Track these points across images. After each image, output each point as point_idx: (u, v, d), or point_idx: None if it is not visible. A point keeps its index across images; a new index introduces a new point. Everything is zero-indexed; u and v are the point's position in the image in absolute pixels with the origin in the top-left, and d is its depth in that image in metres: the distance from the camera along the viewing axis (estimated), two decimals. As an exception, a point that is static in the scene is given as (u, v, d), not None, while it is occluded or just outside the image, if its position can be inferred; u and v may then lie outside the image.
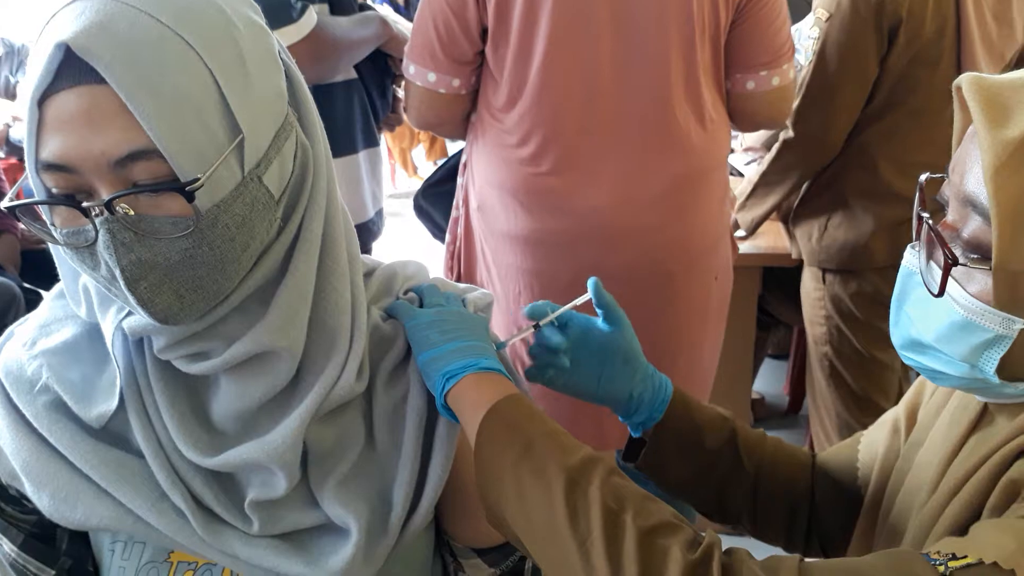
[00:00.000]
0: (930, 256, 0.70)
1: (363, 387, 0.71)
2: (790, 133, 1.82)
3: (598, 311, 0.88)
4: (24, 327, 0.74)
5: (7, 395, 0.69)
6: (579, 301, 0.86)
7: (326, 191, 0.67)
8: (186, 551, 0.69)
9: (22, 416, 0.68)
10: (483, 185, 1.42)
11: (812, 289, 1.97)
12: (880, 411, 0.96)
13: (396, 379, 0.74)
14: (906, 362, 0.76)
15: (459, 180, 1.52)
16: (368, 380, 0.72)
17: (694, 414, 0.90)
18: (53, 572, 0.74)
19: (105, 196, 0.56)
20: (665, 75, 1.29)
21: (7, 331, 0.74)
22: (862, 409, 1.92)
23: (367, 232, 1.93)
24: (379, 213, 1.98)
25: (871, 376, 1.92)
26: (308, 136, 0.68)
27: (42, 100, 0.56)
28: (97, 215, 0.57)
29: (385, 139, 5.97)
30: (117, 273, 0.57)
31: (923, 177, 0.73)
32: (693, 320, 1.44)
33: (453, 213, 1.54)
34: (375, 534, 0.69)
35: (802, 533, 0.91)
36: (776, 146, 1.87)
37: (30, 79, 0.56)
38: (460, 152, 1.56)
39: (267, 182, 0.62)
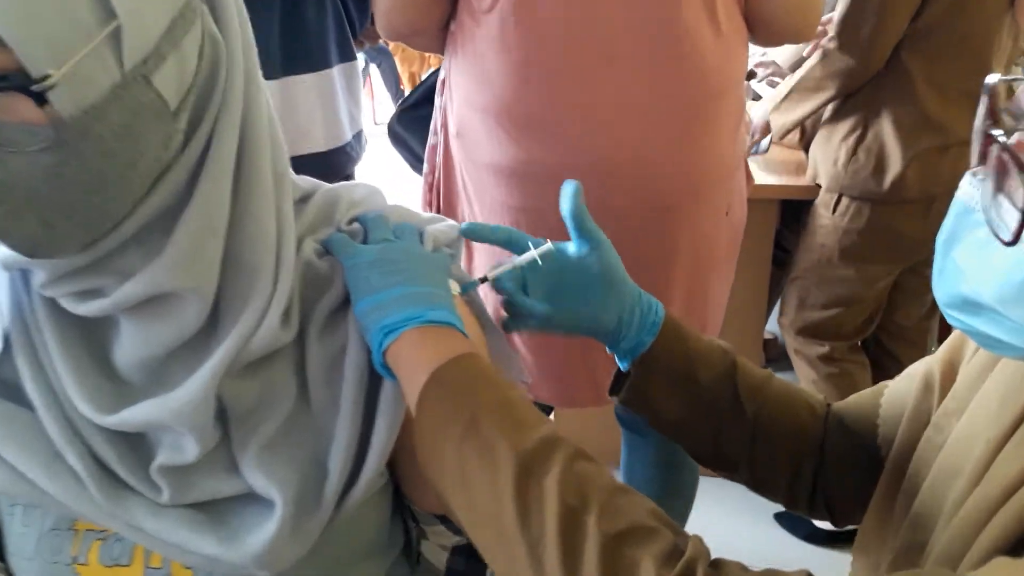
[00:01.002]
0: (999, 188, 0.52)
1: (290, 336, 0.63)
2: (833, 43, 1.73)
3: (571, 229, 0.78)
4: None
5: None
6: (529, 256, 0.75)
7: (243, 98, 0.58)
8: (86, 519, 0.62)
9: None
10: (463, 107, 1.24)
11: (819, 215, 1.90)
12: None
13: (333, 327, 0.65)
14: (952, 323, 0.60)
15: (436, 101, 1.34)
16: (299, 328, 0.64)
17: (688, 343, 0.80)
18: None
19: None
20: None
21: None
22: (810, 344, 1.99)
23: (344, 157, 1.78)
24: (358, 136, 1.83)
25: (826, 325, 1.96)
26: (221, 28, 0.57)
27: None
28: None
29: (395, 63, 5.76)
30: None
31: (993, 78, 0.55)
32: (700, 260, 1.28)
33: (430, 140, 1.37)
34: (305, 507, 0.61)
35: (806, 491, 0.81)
36: (817, 54, 1.78)
37: None
38: (438, 70, 1.37)
39: (159, 84, 0.52)
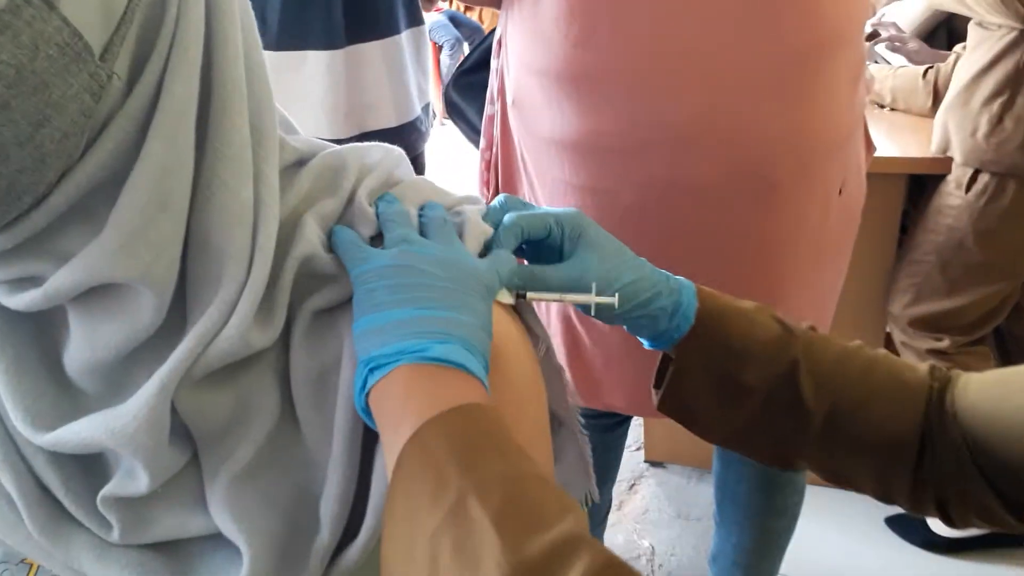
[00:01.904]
0: None
1: (268, 339, 0.50)
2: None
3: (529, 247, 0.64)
4: None
5: None
6: (583, 299, 0.61)
7: (201, 29, 0.45)
8: (22, 555, 0.55)
9: None
10: (520, 71, 1.06)
11: (948, 194, 1.65)
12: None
13: (323, 332, 0.53)
14: None
15: (493, 64, 1.16)
16: (283, 329, 0.51)
17: (729, 333, 0.65)
18: None
19: None
20: None
21: None
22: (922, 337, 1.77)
23: (416, 134, 1.64)
24: (426, 109, 1.68)
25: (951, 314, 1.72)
26: None
27: None
28: None
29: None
30: None
31: None
32: (807, 249, 1.06)
33: (487, 109, 1.19)
34: (285, 564, 0.50)
35: (905, 487, 0.64)
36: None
37: None
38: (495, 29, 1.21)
39: (68, 10, 0.40)
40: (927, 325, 1.76)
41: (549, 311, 1.15)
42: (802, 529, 1.50)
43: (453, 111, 1.38)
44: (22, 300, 0.46)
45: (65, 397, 0.50)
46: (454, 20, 4.58)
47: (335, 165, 0.56)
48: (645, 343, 0.67)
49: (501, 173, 1.18)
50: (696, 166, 0.96)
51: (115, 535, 0.50)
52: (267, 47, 1.48)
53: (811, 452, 0.65)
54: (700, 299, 0.64)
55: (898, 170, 1.68)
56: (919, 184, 1.75)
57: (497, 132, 1.16)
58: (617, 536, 2.00)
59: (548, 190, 1.07)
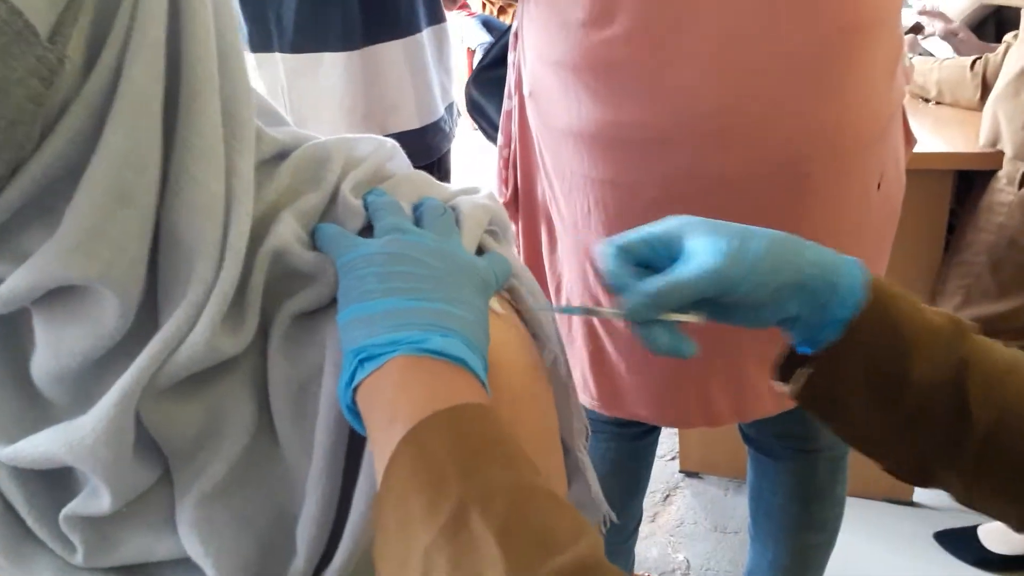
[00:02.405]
0: None
1: (239, 345, 0.46)
2: None
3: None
4: None
5: None
6: (610, 313, 0.55)
7: (164, 7, 0.42)
8: None
9: None
10: (536, 62, 1.02)
11: (998, 190, 1.55)
12: None
13: (304, 339, 0.49)
14: None
15: (510, 58, 1.11)
16: (260, 335, 0.48)
17: (901, 326, 0.54)
18: None
19: None
20: None
21: None
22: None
23: (440, 135, 1.61)
24: (450, 109, 1.64)
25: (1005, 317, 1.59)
26: None
27: None
28: None
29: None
30: None
31: None
32: (842, 246, 0.98)
33: (505, 104, 1.15)
34: None
35: None
36: None
37: None
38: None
39: None
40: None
41: (571, 318, 1.10)
42: (843, 545, 1.43)
43: (474, 109, 1.33)
44: None
45: (31, 408, 0.47)
46: (487, 24, 4.56)
47: (319, 157, 0.52)
48: (801, 347, 0.58)
49: (520, 170, 1.13)
50: (723, 158, 0.91)
51: (79, 557, 0.48)
52: (282, 50, 1.46)
53: (962, 466, 0.56)
54: (874, 282, 0.55)
55: (945, 166, 1.59)
56: (967, 181, 1.66)
57: (515, 127, 1.11)
58: (651, 549, 1.93)
59: (567, 185, 1.02)
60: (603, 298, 1.04)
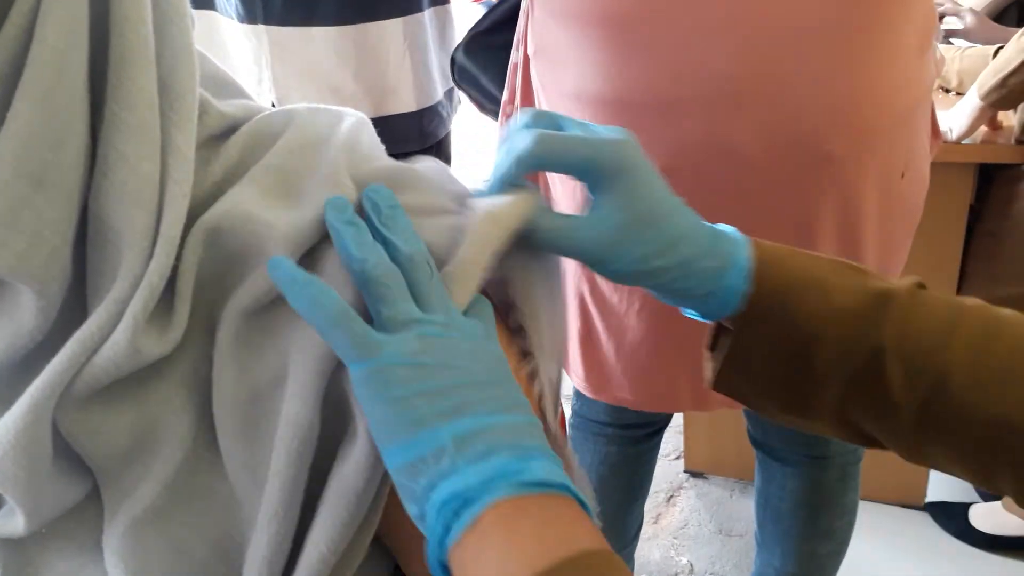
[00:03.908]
0: None
1: (165, 346, 0.41)
2: None
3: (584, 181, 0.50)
4: None
5: None
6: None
7: None
8: None
9: None
10: (544, 17, 0.96)
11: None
12: None
13: (257, 342, 0.42)
14: None
15: (523, 5, 1.06)
16: (196, 333, 0.42)
17: (791, 304, 0.51)
18: None
19: None
20: None
21: None
22: None
23: (437, 119, 1.55)
24: (450, 94, 1.58)
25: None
26: None
27: None
28: None
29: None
30: None
31: None
32: (855, 237, 0.94)
33: (512, 56, 1.09)
34: None
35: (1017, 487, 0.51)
36: None
37: None
38: None
39: None
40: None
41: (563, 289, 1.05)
42: (852, 550, 1.40)
43: (463, 78, 1.26)
44: None
45: None
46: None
47: (269, 130, 0.46)
48: (690, 313, 0.55)
49: None
50: (736, 130, 0.85)
51: None
52: (268, 21, 1.40)
53: (898, 442, 0.53)
54: (759, 260, 0.51)
55: (964, 159, 1.53)
56: (986, 174, 1.60)
57: (519, 81, 1.06)
58: (653, 552, 1.88)
59: None
60: (604, 285, 0.99)
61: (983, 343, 0.49)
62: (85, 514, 0.43)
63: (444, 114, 1.58)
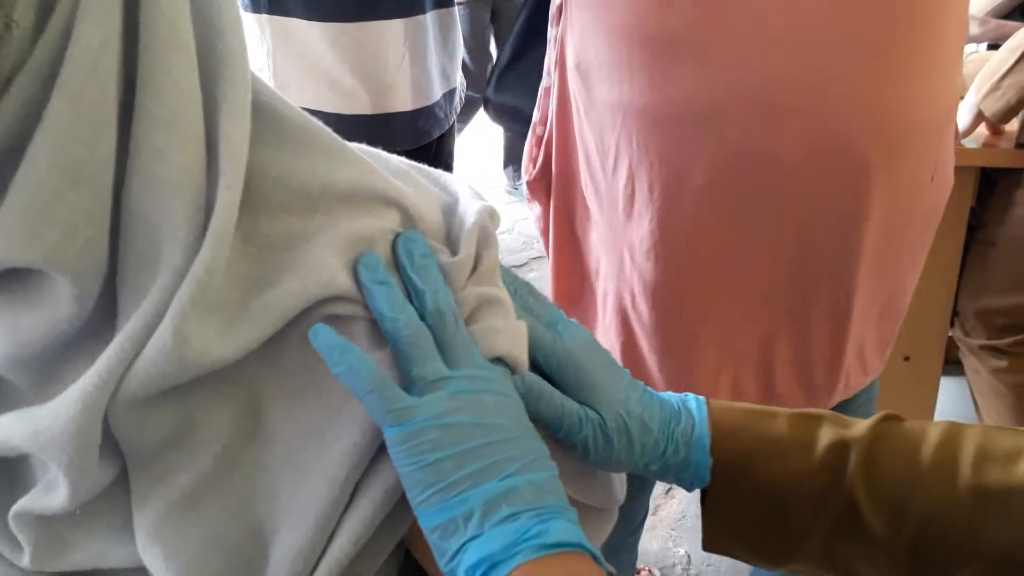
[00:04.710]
0: None
1: (231, 349, 0.41)
2: None
3: None
4: None
5: None
6: None
7: None
8: None
9: None
10: (586, 31, 0.97)
11: None
12: None
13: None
14: None
15: (550, 33, 1.06)
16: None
17: (757, 475, 0.53)
18: None
19: None
20: None
21: None
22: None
23: (431, 119, 1.55)
24: (449, 96, 1.59)
25: None
26: None
27: None
28: None
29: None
30: None
31: None
32: (893, 238, 0.96)
33: (543, 82, 1.10)
34: None
35: None
36: None
37: None
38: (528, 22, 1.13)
39: None
40: (991, 319, 1.64)
41: (605, 304, 1.07)
42: None
43: (501, 114, 1.27)
44: None
45: None
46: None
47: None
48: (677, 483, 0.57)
49: (555, 150, 1.08)
50: (777, 139, 0.87)
51: (26, 559, 0.45)
52: (274, 12, 1.42)
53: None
54: (714, 431, 0.53)
55: (967, 162, 1.54)
56: (987, 178, 1.61)
57: (553, 103, 1.07)
58: (652, 543, 1.91)
59: (610, 165, 0.97)
60: (637, 290, 1.00)
61: (951, 485, 0.49)
62: (114, 495, 0.44)
63: (441, 115, 1.59)
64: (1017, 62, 1.41)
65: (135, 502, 0.44)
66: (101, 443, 0.42)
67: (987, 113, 1.48)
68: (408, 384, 0.43)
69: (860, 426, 0.53)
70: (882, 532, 0.50)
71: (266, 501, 0.45)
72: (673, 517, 1.99)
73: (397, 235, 0.46)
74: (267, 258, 0.43)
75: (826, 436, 0.53)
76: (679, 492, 2.06)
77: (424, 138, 1.56)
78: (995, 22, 1.84)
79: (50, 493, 0.43)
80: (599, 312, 1.09)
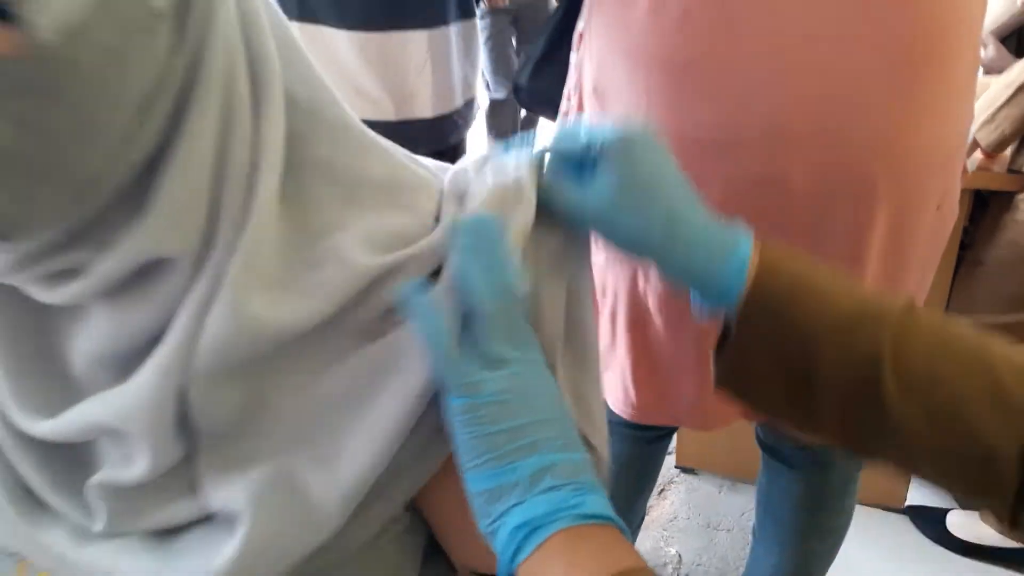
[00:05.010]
0: None
1: (285, 321, 0.46)
2: None
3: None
4: None
5: None
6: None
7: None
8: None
9: None
10: (604, 56, 0.99)
11: (1018, 209, 1.61)
12: None
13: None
14: None
15: (572, 58, 1.10)
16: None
17: (794, 310, 0.54)
18: None
19: None
20: None
21: None
22: None
23: (450, 125, 1.60)
24: (469, 104, 1.64)
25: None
26: None
27: None
28: None
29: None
30: None
31: None
32: (896, 263, 1.00)
33: (562, 106, 1.13)
34: (279, 539, 0.47)
35: (1002, 514, 0.54)
36: None
37: None
38: (564, 17, 1.16)
39: None
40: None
41: (615, 322, 1.11)
42: (845, 554, 1.46)
43: (533, 99, 1.28)
44: (65, 294, 0.45)
45: (67, 389, 0.49)
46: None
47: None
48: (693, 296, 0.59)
49: None
50: (788, 165, 0.89)
51: (100, 524, 0.49)
52: (304, 19, 1.45)
53: (890, 453, 0.56)
54: (760, 261, 0.54)
55: (966, 185, 1.61)
56: (981, 199, 1.69)
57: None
58: (644, 542, 1.96)
59: None
60: (652, 305, 1.04)
61: (964, 375, 0.52)
62: (176, 471, 0.48)
63: (460, 122, 1.63)
64: (1011, 97, 1.48)
65: (201, 469, 0.48)
66: (177, 420, 0.46)
67: (982, 143, 1.55)
68: (469, 352, 0.47)
69: (897, 299, 0.55)
70: (894, 403, 0.52)
71: (331, 453, 0.48)
72: (665, 518, 2.04)
73: (464, 218, 0.50)
74: (314, 243, 0.48)
75: (867, 295, 0.55)
76: (672, 493, 2.12)
77: (442, 144, 1.61)
78: (993, 49, 1.89)
79: (128, 466, 0.48)
80: (605, 330, 1.12)
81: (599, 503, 0.45)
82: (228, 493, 0.47)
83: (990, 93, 1.53)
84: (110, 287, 0.45)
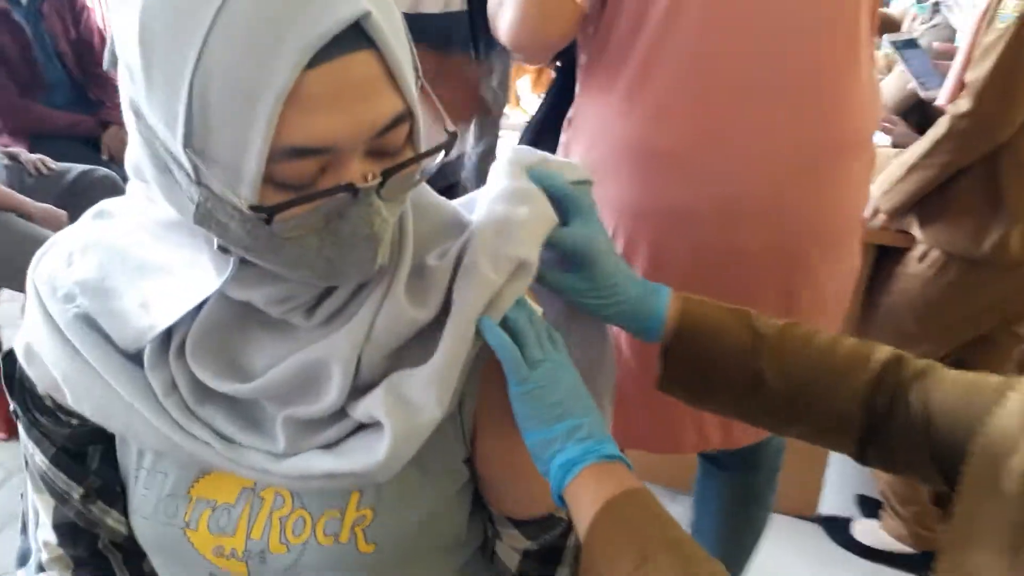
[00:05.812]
0: None
1: (422, 315, 0.67)
2: (964, 106, 1.64)
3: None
4: (67, 242, 0.72)
5: (42, 303, 0.67)
6: None
7: None
8: (215, 468, 0.70)
9: (56, 325, 0.67)
10: (589, 141, 1.19)
11: (908, 262, 1.86)
12: None
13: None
14: None
15: (562, 138, 1.29)
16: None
17: (700, 345, 0.80)
18: (82, 490, 0.75)
19: (369, 170, 0.57)
20: (831, 22, 1.08)
21: (48, 240, 0.73)
22: None
23: (462, 29, 1.73)
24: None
25: None
26: None
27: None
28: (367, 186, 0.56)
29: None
30: (365, 237, 0.58)
31: None
32: (816, 317, 1.24)
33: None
34: (412, 436, 0.65)
35: (850, 451, 0.80)
36: (944, 120, 1.69)
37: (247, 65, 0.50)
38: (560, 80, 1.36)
39: None
40: None
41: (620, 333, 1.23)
42: (755, 557, 1.62)
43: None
44: (316, 318, 0.66)
45: (240, 377, 0.67)
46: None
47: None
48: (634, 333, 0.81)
49: None
50: (738, 233, 1.13)
51: (281, 447, 0.65)
52: None
53: (775, 426, 0.82)
54: (683, 309, 0.79)
55: (870, 240, 1.89)
56: (886, 254, 1.95)
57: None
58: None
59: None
60: (624, 346, 1.22)
61: (820, 357, 0.78)
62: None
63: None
64: (905, 175, 1.77)
65: (348, 403, 0.66)
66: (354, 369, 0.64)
67: (882, 209, 1.84)
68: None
69: (776, 323, 0.81)
70: (772, 379, 0.77)
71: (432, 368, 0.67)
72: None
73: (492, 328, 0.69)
74: (427, 285, 0.68)
75: (753, 325, 0.80)
76: (662, 497, 2.24)
77: (462, 47, 1.71)
78: (903, 127, 2.09)
79: (321, 399, 0.64)
80: None
81: (613, 448, 0.66)
82: (365, 410, 0.64)
83: (891, 169, 1.81)
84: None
